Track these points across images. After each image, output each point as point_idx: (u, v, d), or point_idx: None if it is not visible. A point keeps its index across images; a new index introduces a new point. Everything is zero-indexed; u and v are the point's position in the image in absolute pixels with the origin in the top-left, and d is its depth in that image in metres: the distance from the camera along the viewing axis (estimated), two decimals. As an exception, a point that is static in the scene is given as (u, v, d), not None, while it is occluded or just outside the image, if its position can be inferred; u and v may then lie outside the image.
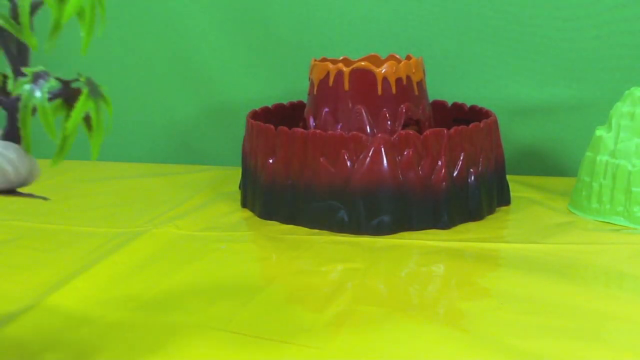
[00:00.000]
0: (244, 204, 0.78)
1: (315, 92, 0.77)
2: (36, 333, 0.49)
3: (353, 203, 0.68)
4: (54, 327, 0.50)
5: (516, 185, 0.82)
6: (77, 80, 0.42)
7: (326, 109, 0.76)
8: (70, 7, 0.42)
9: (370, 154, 0.68)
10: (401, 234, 0.68)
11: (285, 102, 0.87)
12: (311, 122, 0.77)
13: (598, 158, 0.73)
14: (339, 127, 0.75)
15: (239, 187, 0.82)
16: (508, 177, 0.79)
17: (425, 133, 0.69)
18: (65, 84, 0.42)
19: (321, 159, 0.69)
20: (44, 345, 0.47)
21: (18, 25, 0.41)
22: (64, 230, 0.71)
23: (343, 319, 0.50)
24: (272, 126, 0.73)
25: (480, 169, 0.72)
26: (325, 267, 0.60)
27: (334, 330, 0.48)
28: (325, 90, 0.76)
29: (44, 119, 0.40)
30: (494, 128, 0.75)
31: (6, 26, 0.41)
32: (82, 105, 0.41)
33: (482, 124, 0.73)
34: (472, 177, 0.72)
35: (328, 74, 0.75)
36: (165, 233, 0.68)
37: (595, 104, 0.85)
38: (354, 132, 0.69)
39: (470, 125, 0.71)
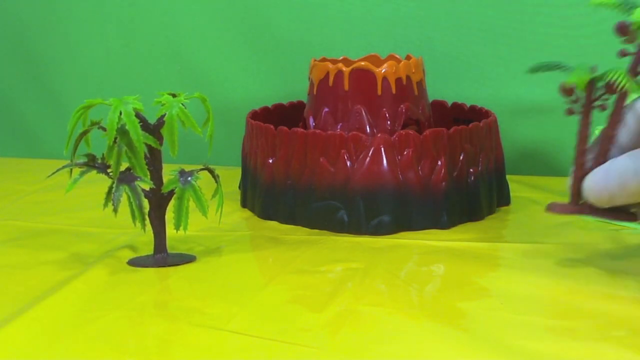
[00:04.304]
0: (244, 204, 0.79)
1: (315, 92, 0.77)
2: (36, 332, 0.49)
3: (353, 203, 0.68)
4: (53, 327, 0.50)
5: (516, 185, 0.82)
6: (202, 169, 0.61)
7: (326, 109, 0.76)
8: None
9: (370, 154, 0.68)
10: (401, 234, 0.68)
11: (285, 102, 0.87)
12: (311, 122, 0.77)
13: (598, 158, 0.73)
14: (339, 127, 0.75)
15: (239, 187, 0.82)
16: (508, 177, 0.79)
17: (425, 133, 0.69)
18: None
19: (321, 159, 0.69)
20: (42, 345, 0.47)
21: (155, 139, 0.59)
22: (64, 230, 0.71)
23: (343, 319, 0.50)
24: (272, 126, 0.73)
25: (480, 168, 0.72)
26: (325, 267, 0.60)
27: (334, 330, 0.48)
28: (325, 90, 0.76)
29: (199, 201, 0.59)
30: (493, 128, 0.75)
31: (151, 143, 0.58)
32: (219, 189, 0.62)
33: (482, 124, 0.73)
34: (472, 177, 0.72)
35: (328, 74, 0.75)
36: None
37: (595, 104, 0.85)
38: (354, 132, 0.69)
39: (470, 125, 0.71)
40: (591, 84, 0.57)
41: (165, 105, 0.58)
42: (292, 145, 0.71)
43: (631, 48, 0.57)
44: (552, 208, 0.58)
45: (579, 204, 0.58)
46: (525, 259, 0.62)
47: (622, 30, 0.56)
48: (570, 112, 0.60)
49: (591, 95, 0.58)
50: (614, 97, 0.57)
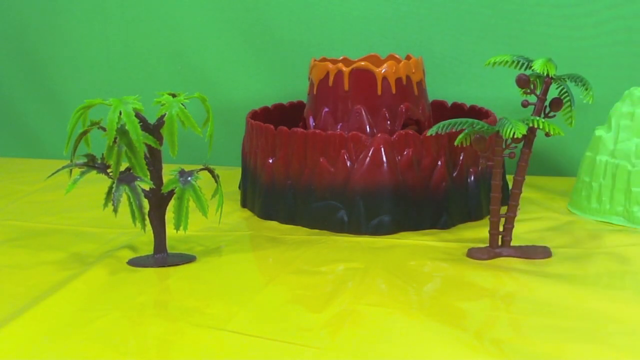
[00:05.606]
0: (244, 204, 0.79)
1: (315, 92, 0.77)
2: (36, 332, 0.49)
3: (353, 203, 0.68)
4: (53, 327, 0.50)
5: (516, 185, 0.82)
6: (202, 169, 0.60)
7: (326, 109, 0.76)
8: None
9: (370, 154, 0.68)
10: (401, 234, 0.68)
11: (285, 102, 0.87)
12: (311, 122, 0.77)
13: (598, 158, 0.73)
14: (339, 127, 0.75)
15: (239, 187, 0.82)
16: (508, 177, 0.79)
17: (424, 133, 0.69)
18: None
19: (321, 159, 0.69)
20: (42, 345, 0.47)
21: (155, 139, 0.58)
22: (64, 230, 0.71)
23: (343, 318, 0.50)
24: (271, 126, 0.73)
25: (480, 168, 0.72)
26: (325, 267, 0.60)
27: (334, 330, 0.48)
28: (325, 90, 0.76)
29: (199, 201, 0.58)
30: (493, 128, 0.75)
31: (150, 143, 0.58)
32: (218, 189, 0.61)
33: (482, 124, 0.73)
34: (472, 177, 0.72)
35: (328, 74, 0.75)
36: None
37: (595, 104, 0.85)
38: (354, 132, 0.69)
39: (470, 125, 0.71)
40: (497, 137, 0.60)
41: (165, 105, 0.58)
42: (292, 145, 0.71)
43: (532, 98, 0.62)
44: (472, 254, 0.62)
45: (498, 247, 0.62)
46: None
47: (522, 83, 0.61)
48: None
49: (499, 146, 0.61)
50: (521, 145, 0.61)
